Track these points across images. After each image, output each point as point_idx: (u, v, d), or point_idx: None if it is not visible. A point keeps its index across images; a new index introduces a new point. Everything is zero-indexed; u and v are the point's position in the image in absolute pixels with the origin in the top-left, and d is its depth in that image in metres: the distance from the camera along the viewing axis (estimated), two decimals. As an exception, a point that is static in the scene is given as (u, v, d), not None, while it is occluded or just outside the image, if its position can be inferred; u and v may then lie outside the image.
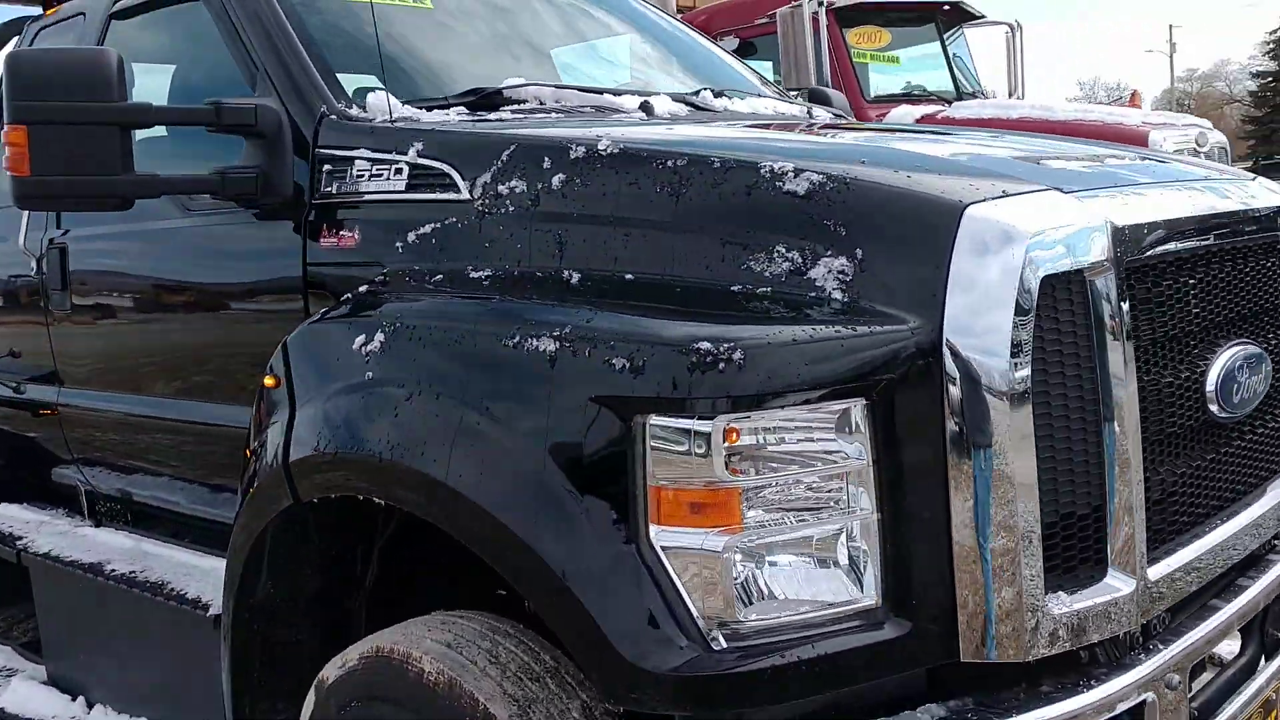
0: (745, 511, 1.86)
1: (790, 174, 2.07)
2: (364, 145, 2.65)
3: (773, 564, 1.89)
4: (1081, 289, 1.98)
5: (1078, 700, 1.99)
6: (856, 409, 1.88)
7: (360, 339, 2.28)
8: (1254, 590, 2.46)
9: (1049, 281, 1.93)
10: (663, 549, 1.87)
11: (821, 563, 1.90)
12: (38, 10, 4.45)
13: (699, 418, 1.82)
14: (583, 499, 1.92)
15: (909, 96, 8.19)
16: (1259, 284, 2.51)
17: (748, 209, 2.10)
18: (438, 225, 2.45)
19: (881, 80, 8.52)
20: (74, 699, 3.55)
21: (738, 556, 1.85)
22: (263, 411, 2.57)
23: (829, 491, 1.89)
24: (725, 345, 1.81)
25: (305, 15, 3.06)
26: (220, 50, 3.32)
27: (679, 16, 8.49)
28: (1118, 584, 2.04)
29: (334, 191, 2.68)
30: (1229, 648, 2.63)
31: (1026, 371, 1.89)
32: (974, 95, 8.52)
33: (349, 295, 2.50)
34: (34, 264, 3.68)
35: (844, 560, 1.91)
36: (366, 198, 2.61)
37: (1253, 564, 2.56)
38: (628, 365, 1.87)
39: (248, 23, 3.01)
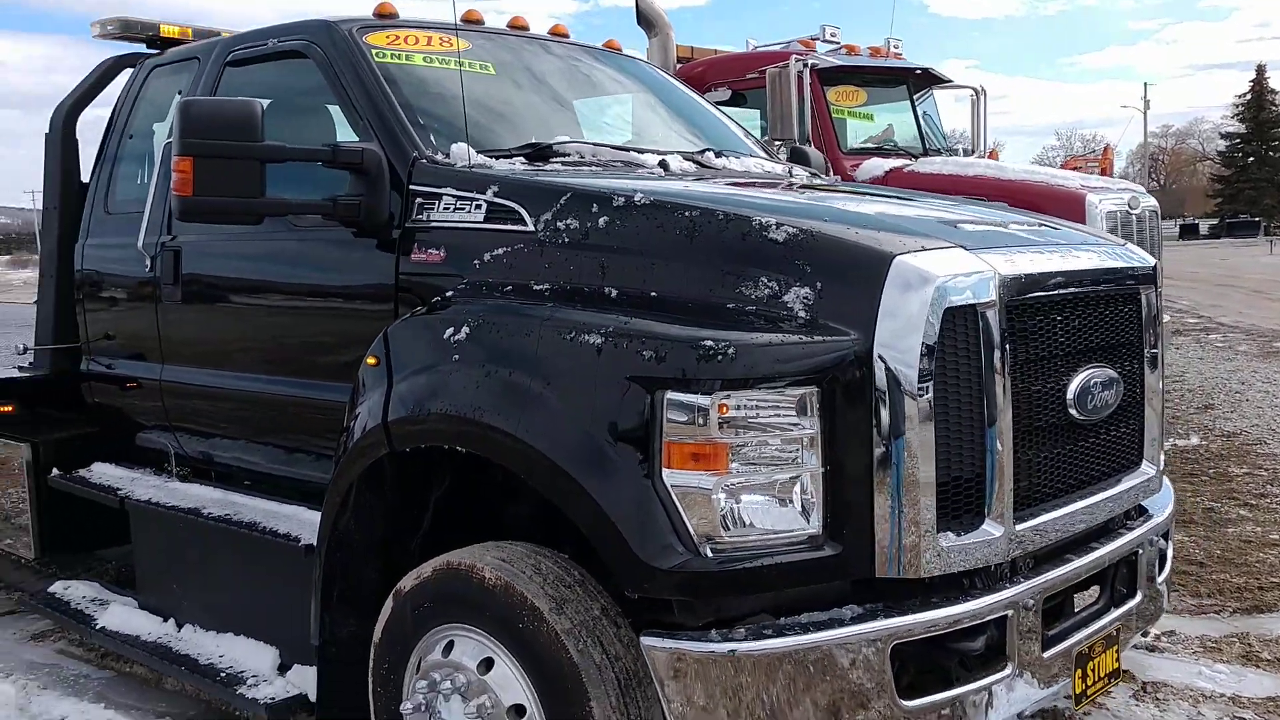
0: (730, 462, 2.68)
1: (774, 226, 2.91)
2: (449, 185, 3.47)
3: (746, 500, 2.70)
4: (974, 319, 2.82)
5: (956, 608, 2.82)
6: (811, 394, 2.70)
7: (449, 330, 3.09)
8: (1102, 551, 3.29)
9: (950, 312, 2.77)
10: (671, 486, 2.68)
11: (780, 501, 2.72)
12: (142, 47, 5.27)
13: (701, 393, 2.64)
14: (616, 449, 2.73)
15: (879, 150, 9.07)
16: (1117, 323, 3.36)
17: (741, 250, 2.93)
18: (508, 249, 3.27)
19: (859, 128, 9.41)
20: (165, 620, 4.29)
21: (722, 493, 2.67)
22: (362, 385, 3.37)
23: (788, 451, 2.71)
24: (722, 343, 2.64)
25: (398, 77, 3.89)
26: (313, 97, 4.15)
27: (678, 66, 9.38)
28: (991, 530, 2.88)
29: (424, 219, 3.50)
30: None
31: (930, 376, 2.72)
32: (938, 151, 9.41)
33: (438, 299, 3.31)
34: (148, 263, 4.47)
35: (797, 500, 2.72)
36: (450, 225, 3.43)
37: (1107, 533, 3.41)
38: (653, 355, 2.69)
39: (353, 83, 3.84)
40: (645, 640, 2.72)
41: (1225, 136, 77.71)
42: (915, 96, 9.49)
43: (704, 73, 9.39)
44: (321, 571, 3.45)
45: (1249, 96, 75.53)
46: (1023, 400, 2.97)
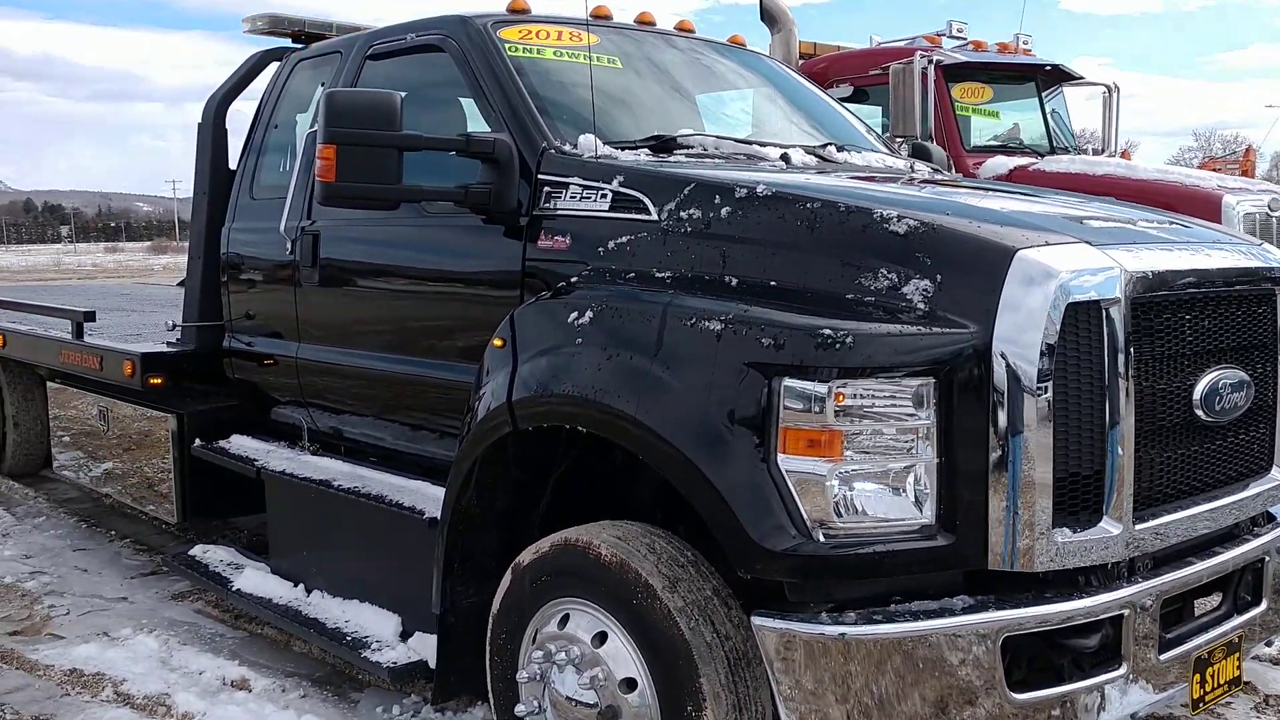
0: (844, 449, 2.72)
1: (895, 219, 2.94)
2: (577, 174, 3.58)
3: (859, 488, 2.74)
4: (1098, 315, 2.81)
5: (1069, 604, 2.81)
6: (928, 385, 2.73)
7: (574, 315, 3.20)
8: (1225, 556, 3.23)
9: (1072, 308, 2.76)
10: (786, 471, 2.74)
11: (894, 490, 2.75)
12: (287, 41, 5.53)
13: (818, 381, 2.69)
14: (733, 433, 2.79)
15: (1004, 148, 8.93)
16: (1249, 324, 3.29)
17: (862, 241, 2.96)
18: (632, 237, 3.36)
19: (985, 126, 9.27)
20: (295, 585, 4.51)
21: (836, 480, 2.71)
22: (488, 366, 3.50)
23: (903, 441, 2.74)
24: (841, 332, 2.68)
25: (529, 69, 4.02)
26: (448, 90, 4.31)
27: (800, 62, 9.37)
28: (1109, 529, 2.86)
29: (551, 207, 3.62)
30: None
31: (1049, 374, 2.72)
32: (1066, 150, 9.21)
33: (563, 284, 3.42)
34: (289, 246, 4.69)
35: (910, 490, 2.75)
36: (576, 213, 3.54)
37: (1231, 538, 3.34)
38: (772, 342, 2.75)
39: (486, 75, 3.98)
40: (756, 620, 2.79)
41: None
42: (1044, 94, 9.31)
43: (826, 69, 9.36)
44: (444, 544, 3.60)
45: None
46: (1146, 399, 2.94)
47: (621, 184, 3.44)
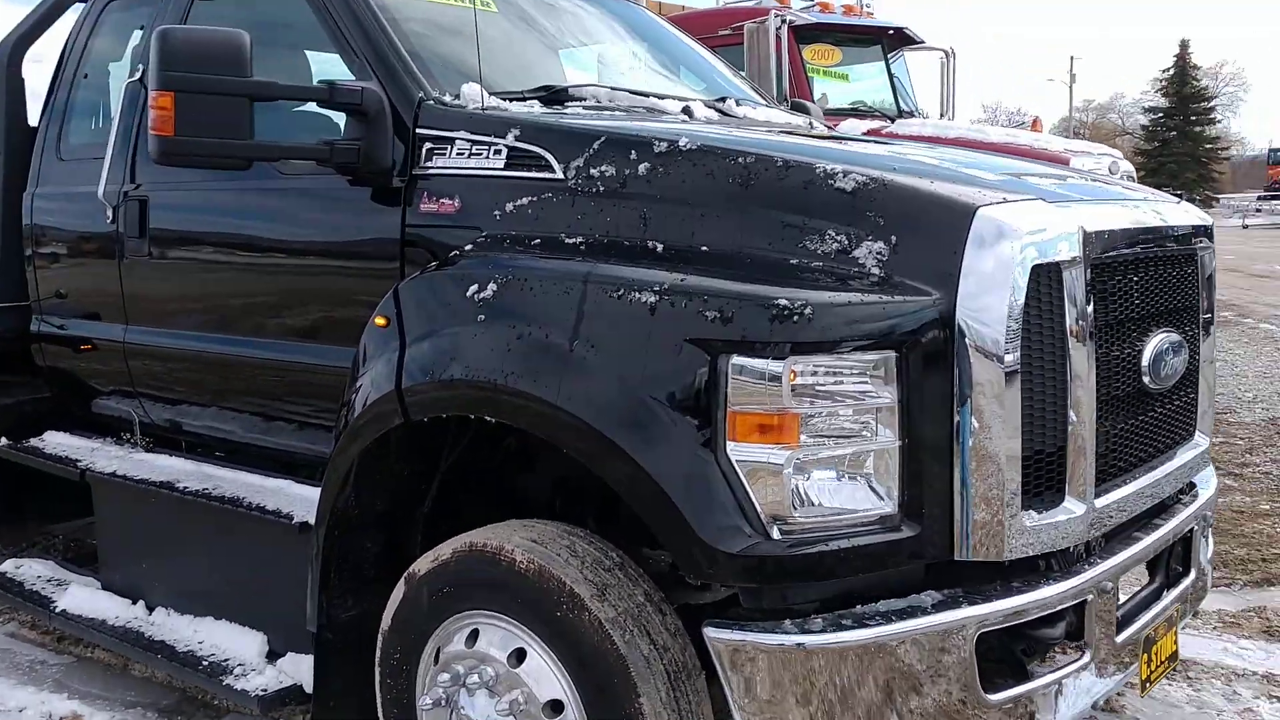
0: (801, 434, 2.41)
1: (840, 174, 2.63)
2: (463, 129, 3.14)
3: (817, 477, 2.44)
4: (1058, 279, 2.58)
5: (1038, 593, 2.60)
6: (889, 360, 2.45)
7: (474, 288, 2.78)
8: (1166, 528, 3.10)
9: (1037, 270, 2.53)
10: (737, 461, 2.41)
11: (855, 477, 2.46)
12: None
13: (772, 358, 2.37)
14: (674, 419, 2.45)
15: (856, 111, 8.84)
16: (1182, 284, 3.15)
17: (805, 200, 2.65)
18: (534, 199, 2.95)
19: (832, 88, 9.16)
20: (133, 603, 3.93)
21: (793, 469, 2.41)
22: (368, 349, 3.05)
23: (864, 422, 2.46)
24: (798, 302, 2.37)
25: (396, 8, 3.53)
26: (297, 34, 3.78)
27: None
28: (1073, 508, 2.65)
29: (433, 166, 3.16)
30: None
31: (1018, 340, 2.48)
32: (911, 114, 9.21)
33: (454, 253, 2.99)
34: (109, 214, 4.06)
35: (872, 476, 2.47)
36: (466, 173, 3.10)
37: (1164, 509, 3.21)
38: (718, 315, 2.41)
39: (346, 16, 3.47)
40: (709, 632, 2.46)
41: (1147, 111, 78.98)
42: (889, 57, 9.27)
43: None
44: (320, 551, 3.14)
45: (1171, 71, 76.82)
46: (1103, 367, 2.75)
47: (518, 139, 3.02)
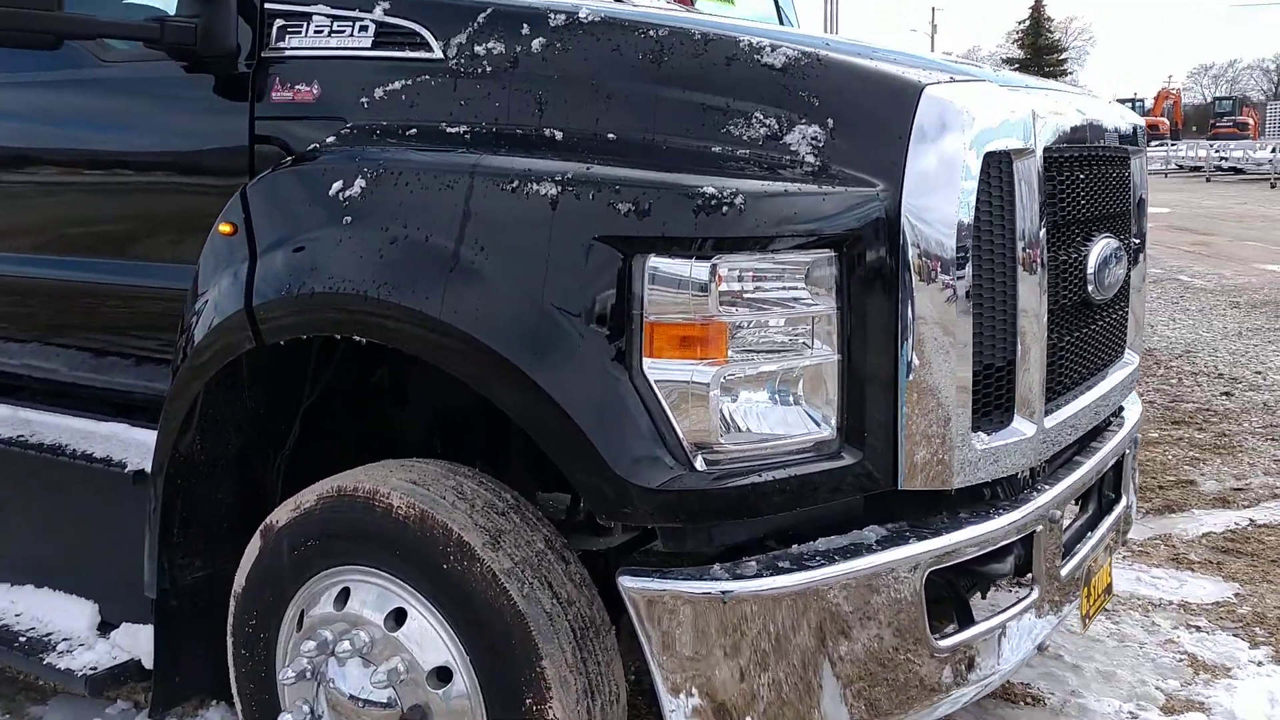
0: (729, 348, 2.07)
1: (767, 48, 2.27)
2: (322, 1, 2.66)
3: (747, 398, 2.11)
4: (1010, 169, 2.28)
5: (989, 524, 2.33)
6: (830, 260, 2.11)
7: (338, 185, 2.34)
8: (1104, 450, 2.88)
9: (990, 159, 2.22)
10: (655, 381, 2.06)
11: (788, 398, 2.13)
12: None
13: (698, 258, 2.01)
14: (581, 333, 2.07)
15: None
16: (1120, 187, 2.91)
17: (727, 77, 2.28)
18: (409, 82, 2.51)
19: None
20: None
21: (720, 388, 2.06)
22: (212, 261, 2.58)
23: (798, 334, 2.12)
24: (728, 192, 2.00)
25: None
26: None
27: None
28: (1023, 428, 2.38)
29: (287, 47, 2.68)
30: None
31: (970, 239, 2.17)
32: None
33: (314, 146, 2.53)
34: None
35: (808, 396, 2.14)
36: (325, 54, 2.63)
37: (1099, 433, 2.99)
38: (633, 208, 2.03)
39: None
40: (626, 581, 2.11)
41: (1005, 62, 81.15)
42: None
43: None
44: (159, 503, 2.68)
45: (1027, 24, 79.00)
46: (1053, 274, 2.48)
47: (388, 13, 2.56)
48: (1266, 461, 5.60)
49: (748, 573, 2.07)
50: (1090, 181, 2.68)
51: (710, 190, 2.00)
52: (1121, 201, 2.92)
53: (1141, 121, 3.15)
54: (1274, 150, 36.42)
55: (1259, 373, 7.69)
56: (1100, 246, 2.67)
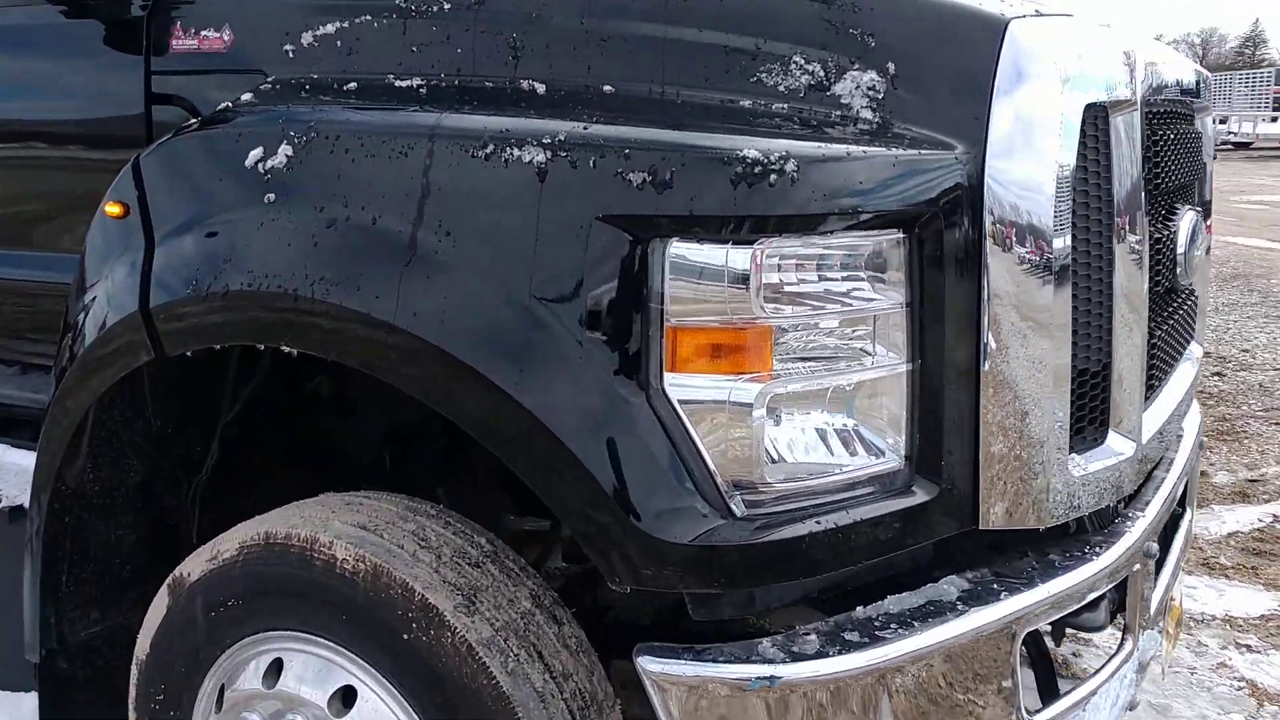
0: (775, 358, 1.59)
1: (808, -26, 1.79)
2: (233, -76, 2.13)
3: (799, 420, 1.63)
4: (1106, 125, 1.82)
5: (1088, 567, 1.87)
6: (898, 243, 1.64)
7: (256, 153, 1.81)
8: (1181, 461, 2.44)
9: (1090, 112, 1.76)
10: (678, 401, 1.57)
11: (849, 419, 1.66)
12: None
13: (736, 243, 1.53)
14: (580, 341, 1.59)
15: None
16: (1195, 151, 2.48)
17: (757, 12, 1.80)
18: (344, 25, 1.99)
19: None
20: None
21: (766, 409, 1.58)
22: (98, 251, 2.05)
23: (860, 337, 1.65)
24: (776, 156, 1.52)
25: None
26: None
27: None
28: (1120, 446, 1.93)
29: (190, -18, 2.15)
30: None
31: (1068, 214, 1.71)
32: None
33: (229, 105, 2.00)
34: None
35: (872, 417, 1.67)
36: (240, -11, 2.10)
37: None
38: (649, 178, 1.54)
39: None
40: (646, 664, 1.61)
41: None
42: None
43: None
44: (40, 545, 2.16)
45: None
46: (1151, 253, 2.03)
47: (317, -65, 2.04)
48: (1277, 449, 5.26)
49: (807, 650, 1.59)
50: (1176, 142, 2.24)
51: (753, 154, 1.52)
52: (1198, 167, 2.49)
53: (1207, 73, 2.72)
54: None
55: (1246, 350, 7.39)
56: (1188, 220, 2.23)
